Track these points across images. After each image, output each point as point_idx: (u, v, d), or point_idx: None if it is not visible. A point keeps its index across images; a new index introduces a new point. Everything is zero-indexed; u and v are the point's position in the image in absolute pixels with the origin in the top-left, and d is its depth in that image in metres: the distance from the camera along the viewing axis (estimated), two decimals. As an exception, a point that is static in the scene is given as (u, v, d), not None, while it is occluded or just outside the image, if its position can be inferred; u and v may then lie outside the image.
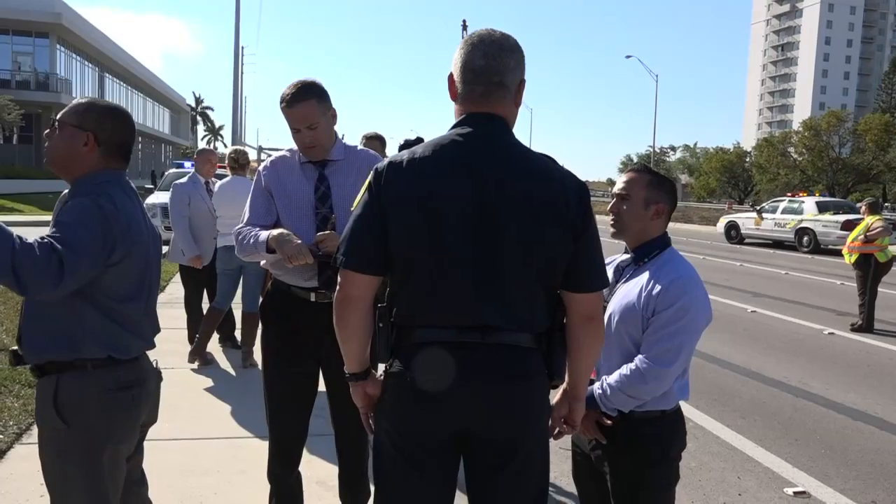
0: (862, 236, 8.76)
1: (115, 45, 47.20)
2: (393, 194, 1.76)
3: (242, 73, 35.65)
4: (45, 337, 2.02)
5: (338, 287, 1.82)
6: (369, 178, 1.82)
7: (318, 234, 2.70)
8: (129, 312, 2.08)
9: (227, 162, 6.09)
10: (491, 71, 1.80)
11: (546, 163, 1.83)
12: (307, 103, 2.66)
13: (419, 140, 3.47)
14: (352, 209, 1.86)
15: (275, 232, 2.66)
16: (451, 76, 1.87)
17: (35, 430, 4.10)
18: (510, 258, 1.75)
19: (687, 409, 5.07)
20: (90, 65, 45.27)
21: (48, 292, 1.85)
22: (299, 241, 2.61)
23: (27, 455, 3.78)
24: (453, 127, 1.85)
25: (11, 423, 4.15)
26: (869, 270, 8.71)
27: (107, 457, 2.05)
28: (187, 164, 21.10)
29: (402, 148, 3.23)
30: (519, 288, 1.77)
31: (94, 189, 2.04)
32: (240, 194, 4.87)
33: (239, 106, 30.83)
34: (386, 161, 1.82)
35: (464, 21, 46.70)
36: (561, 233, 1.78)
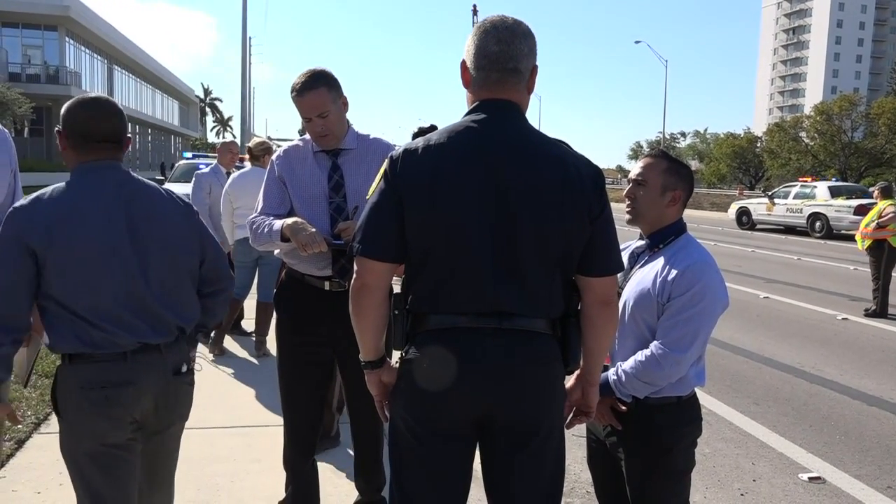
0: (875, 222, 8.68)
1: (123, 37, 47.27)
2: (408, 182, 1.76)
3: (250, 63, 35.64)
4: (47, 330, 2.06)
5: (354, 275, 1.83)
6: (384, 165, 1.82)
7: (341, 223, 2.70)
8: (92, 306, 1.98)
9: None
10: (505, 57, 1.80)
11: (560, 148, 1.83)
12: (317, 92, 2.66)
13: (433, 127, 3.45)
14: (367, 197, 1.87)
15: (289, 221, 2.67)
16: (463, 63, 1.87)
17: (52, 419, 4.15)
18: (526, 244, 1.75)
19: (700, 395, 4.96)
20: (99, 57, 45.37)
21: None
22: (314, 230, 2.62)
23: (45, 444, 3.82)
24: (467, 114, 1.85)
25: (29, 412, 4.19)
26: (882, 256, 8.64)
27: (84, 450, 2.04)
28: (188, 154, 21.65)
29: (415, 136, 3.21)
30: (535, 273, 1.77)
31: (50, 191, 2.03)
32: (255, 185, 4.90)
33: (247, 96, 30.86)
34: (401, 149, 1.83)
35: (474, 6, 46.22)
36: (576, 217, 1.78)
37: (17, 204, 2.00)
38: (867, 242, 8.78)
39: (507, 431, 1.81)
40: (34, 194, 2.02)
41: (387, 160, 1.83)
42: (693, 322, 2.10)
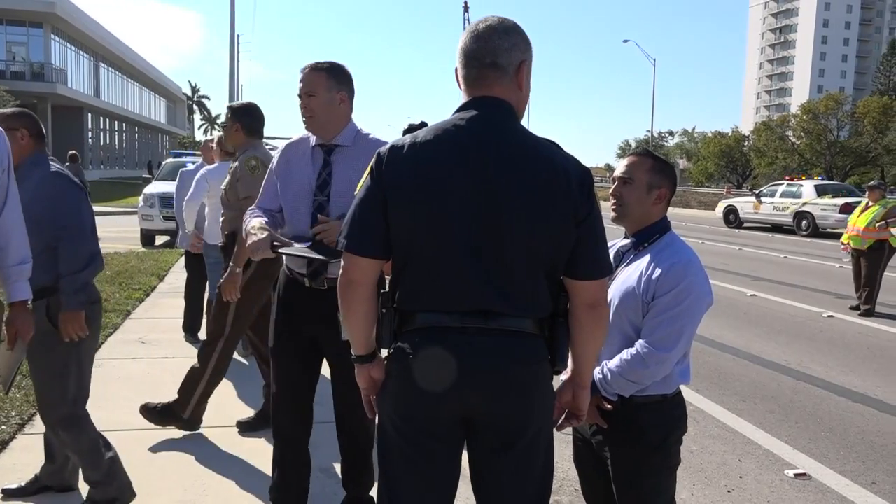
0: (881, 222, 8.53)
1: (110, 35, 46.86)
2: (393, 178, 1.76)
3: (238, 61, 35.46)
4: None
5: (341, 271, 1.83)
6: (372, 162, 1.83)
7: (317, 226, 2.68)
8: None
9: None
10: (482, 52, 1.80)
11: (548, 147, 1.82)
12: (315, 72, 2.71)
13: (423, 124, 3.43)
14: (354, 193, 1.87)
15: (255, 222, 2.67)
16: (456, 65, 1.88)
17: (37, 420, 4.12)
18: (510, 243, 1.74)
19: (687, 392, 5.02)
20: (85, 54, 44.97)
21: None
22: (264, 236, 2.60)
23: (29, 446, 3.78)
24: (456, 111, 1.85)
25: (13, 413, 4.15)
26: (883, 255, 8.61)
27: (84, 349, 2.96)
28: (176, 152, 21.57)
29: (406, 132, 3.20)
30: (520, 273, 1.76)
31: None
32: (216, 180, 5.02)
33: (235, 94, 30.68)
34: (388, 145, 1.83)
35: (465, 3, 46.36)
36: (562, 219, 1.76)
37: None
38: (869, 242, 8.65)
39: (493, 432, 1.80)
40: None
41: (374, 156, 1.83)
42: (678, 320, 2.10)
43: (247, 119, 4.07)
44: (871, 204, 8.82)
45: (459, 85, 1.88)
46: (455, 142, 1.76)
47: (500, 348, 1.75)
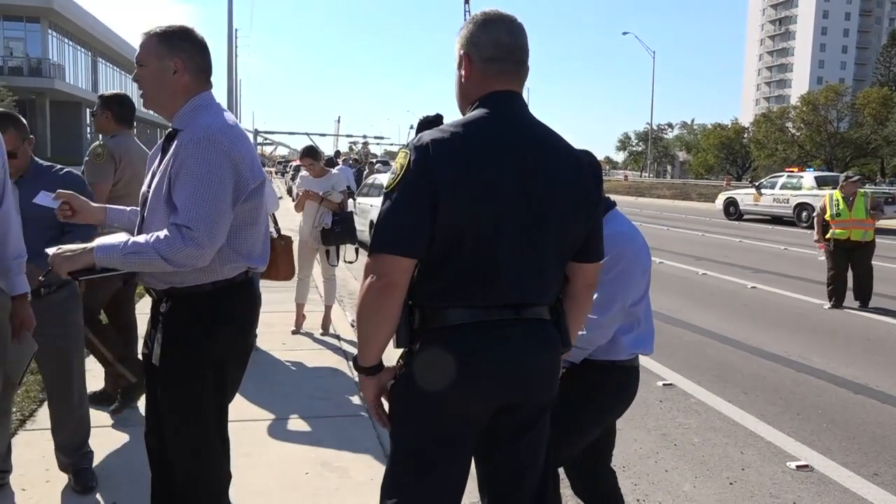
0: (874, 211, 8.52)
1: (107, 29, 46.73)
2: (446, 173, 1.67)
3: (236, 56, 35.37)
4: None
5: (376, 275, 1.70)
6: (409, 155, 1.70)
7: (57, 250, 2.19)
8: None
9: None
10: (518, 49, 1.83)
11: (565, 140, 1.87)
12: (146, 37, 2.21)
13: (438, 117, 3.31)
14: (384, 190, 1.74)
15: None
16: (466, 55, 1.82)
17: (38, 416, 4.12)
18: (549, 236, 1.77)
19: (689, 385, 5.08)
20: (83, 49, 44.87)
21: None
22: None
23: (31, 441, 3.79)
24: (482, 105, 1.79)
25: (14, 409, 4.14)
26: (875, 246, 8.62)
27: None
28: None
29: (421, 125, 3.09)
30: (552, 265, 1.81)
31: None
32: None
33: (234, 90, 30.64)
34: (428, 138, 1.71)
35: None
36: (586, 211, 1.84)
37: None
38: (871, 233, 8.54)
39: (523, 414, 1.84)
40: None
41: (412, 150, 1.70)
42: (608, 287, 2.23)
43: (116, 107, 4.21)
44: (851, 198, 8.58)
45: (468, 76, 1.82)
46: (500, 137, 1.75)
47: (530, 338, 1.79)
